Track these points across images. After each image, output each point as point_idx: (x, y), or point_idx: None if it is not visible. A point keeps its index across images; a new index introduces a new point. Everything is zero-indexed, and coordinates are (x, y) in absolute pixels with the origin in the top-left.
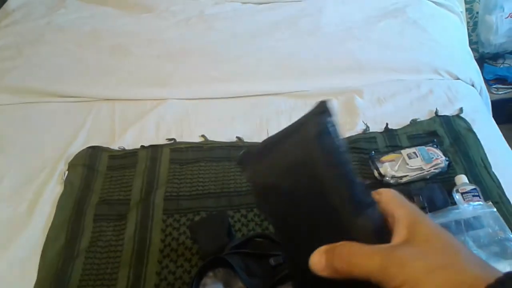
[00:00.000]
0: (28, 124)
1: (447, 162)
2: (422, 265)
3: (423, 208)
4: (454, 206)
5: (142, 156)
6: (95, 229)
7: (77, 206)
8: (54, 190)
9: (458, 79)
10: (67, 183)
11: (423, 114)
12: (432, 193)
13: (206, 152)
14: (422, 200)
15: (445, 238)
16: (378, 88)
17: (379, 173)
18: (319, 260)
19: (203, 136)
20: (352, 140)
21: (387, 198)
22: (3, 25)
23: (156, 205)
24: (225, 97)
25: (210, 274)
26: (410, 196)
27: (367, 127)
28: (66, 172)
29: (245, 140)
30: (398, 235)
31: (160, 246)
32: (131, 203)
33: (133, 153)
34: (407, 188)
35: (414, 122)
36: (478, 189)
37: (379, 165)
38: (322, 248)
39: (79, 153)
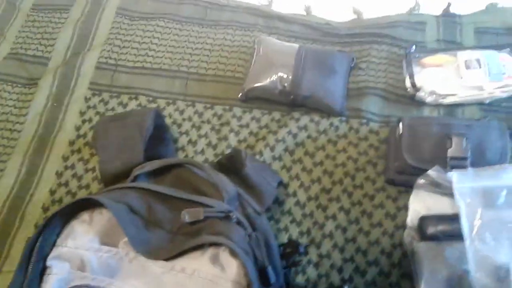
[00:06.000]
0: None
1: None
2: None
3: (463, 159)
4: None
5: None
6: None
7: None
8: None
9: None
10: None
11: None
12: (484, 136)
13: (172, 6)
14: (465, 146)
15: None
16: None
17: (413, 84)
18: None
19: None
20: (388, 23)
21: None
22: None
23: (83, 73)
24: None
25: (86, 216)
26: (448, 137)
27: (417, 3)
28: None
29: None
30: None
31: (71, 136)
32: (49, 64)
33: None
34: (447, 122)
35: (492, 7)
36: None
37: (416, 69)
38: None
39: None
